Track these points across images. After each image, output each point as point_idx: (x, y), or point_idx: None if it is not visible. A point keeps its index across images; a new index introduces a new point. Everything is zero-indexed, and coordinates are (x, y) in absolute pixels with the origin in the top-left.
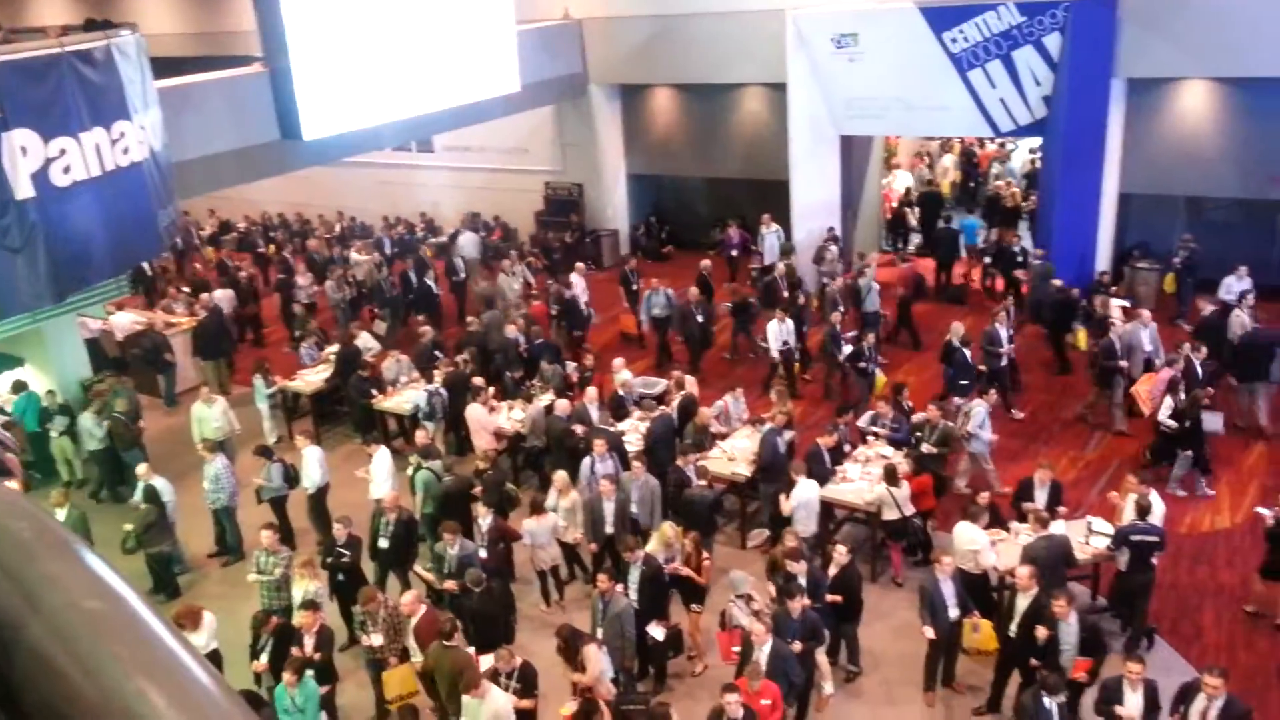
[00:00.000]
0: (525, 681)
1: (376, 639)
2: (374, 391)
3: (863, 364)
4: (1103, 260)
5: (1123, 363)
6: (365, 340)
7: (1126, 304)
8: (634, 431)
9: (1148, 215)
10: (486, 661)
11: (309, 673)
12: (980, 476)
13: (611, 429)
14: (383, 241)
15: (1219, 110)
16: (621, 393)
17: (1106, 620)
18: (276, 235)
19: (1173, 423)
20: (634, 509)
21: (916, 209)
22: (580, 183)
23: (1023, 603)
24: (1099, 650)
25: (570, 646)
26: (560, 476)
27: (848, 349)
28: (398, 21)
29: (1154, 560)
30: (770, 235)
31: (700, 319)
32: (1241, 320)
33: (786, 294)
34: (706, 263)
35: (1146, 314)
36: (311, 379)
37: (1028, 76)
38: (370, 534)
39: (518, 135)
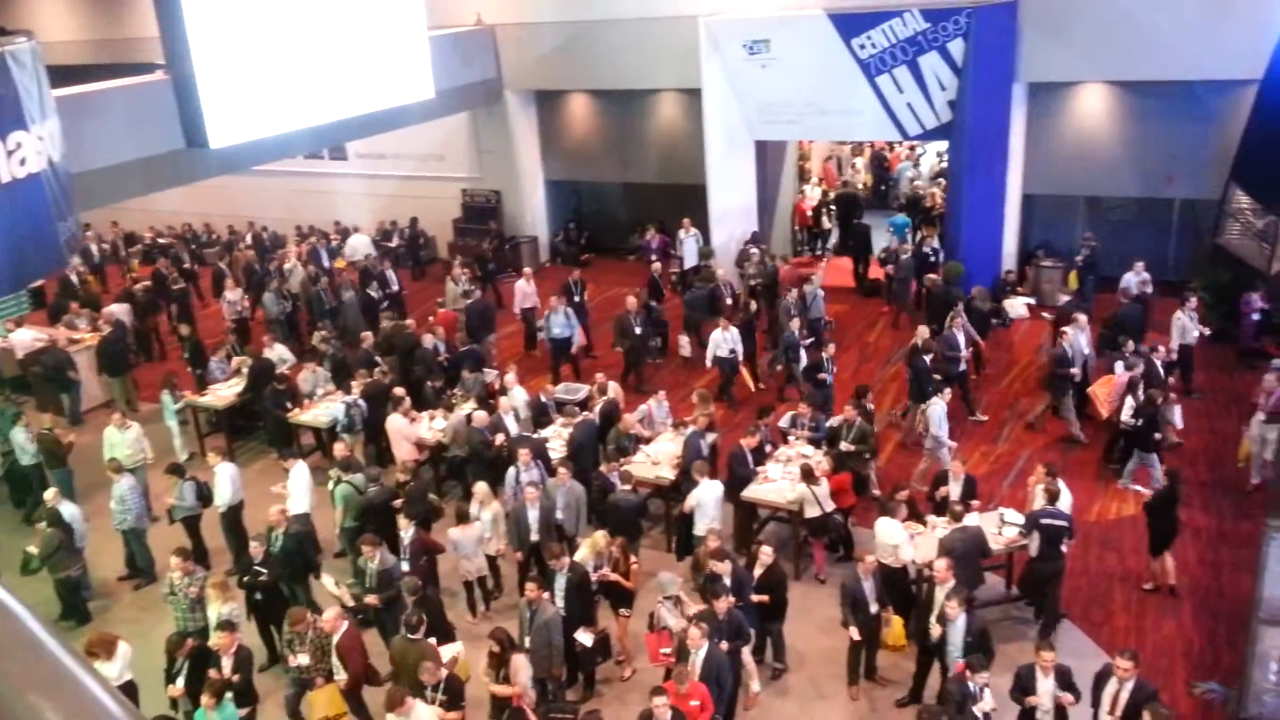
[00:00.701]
0: (451, 694)
1: (303, 658)
2: (289, 405)
3: (821, 375)
4: (1009, 259)
5: (1074, 370)
6: (279, 352)
7: (1031, 301)
8: (557, 438)
9: (1050, 215)
10: (448, 652)
11: (228, 695)
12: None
13: (533, 436)
14: (319, 253)
15: (1116, 112)
16: (543, 399)
17: (1019, 609)
18: (173, 250)
19: (1135, 421)
20: (559, 515)
21: (833, 208)
22: (498, 189)
23: (940, 595)
24: (984, 653)
25: (504, 653)
26: (480, 488)
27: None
28: (306, 27)
29: (1064, 547)
30: (689, 239)
31: (639, 330)
32: (1183, 323)
33: (731, 300)
34: (657, 265)
35: (1083, 319)
36: (223, 393)
37: (933, 81)
38: (235, 551)
39: (433, 142)
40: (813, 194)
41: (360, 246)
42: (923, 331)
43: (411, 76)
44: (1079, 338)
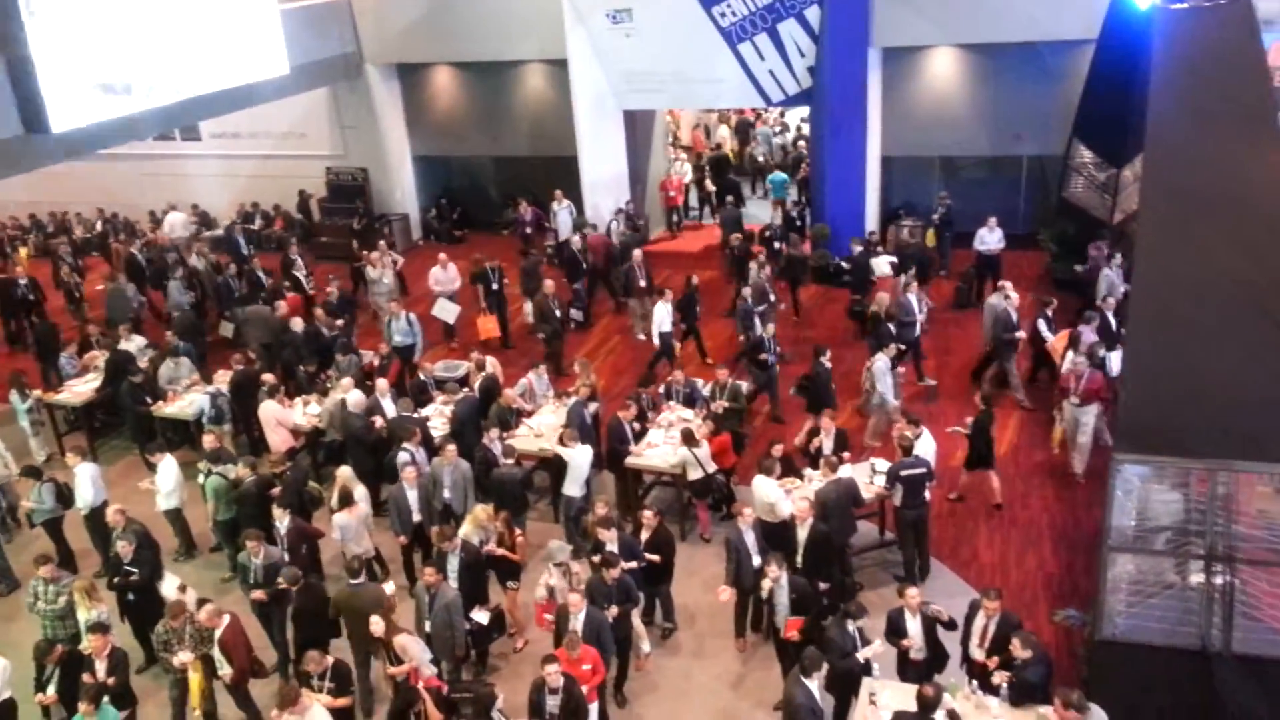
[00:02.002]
0: (339, 680)
1: (184, 655)
2: (149, 398)
3: (763, 356)
4: (871, 220)
5: (1019, 334)
6: (137, 343)
7: (894, 260)
8: (439, 417)
9: (909, 176)
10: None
11: (106, 699)
12: (888, 435)
13: (414, 416)
14: (236, 240)
15: (966, 75)
16: (423, 378)
17: (892, 553)
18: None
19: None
20: (446, 494)
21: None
22: (364, 167)
23: (802, 533)
24: (808, 609)
25: (388, 633)
26: (343, 472)
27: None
28: (149, 2)
29: (926, 493)
30: (563, 211)
31: (559, 313)
32: (1111, 279)
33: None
34: (576, 239)
35: (1009, 284)
36: (79, 390)
37: (792, 48)
38: (102, 553)
39: (293, 119)
40: (682, 170)
41: (177, 224)
42: (883, 299)
43: (264, 51)
44: (1003, 302)
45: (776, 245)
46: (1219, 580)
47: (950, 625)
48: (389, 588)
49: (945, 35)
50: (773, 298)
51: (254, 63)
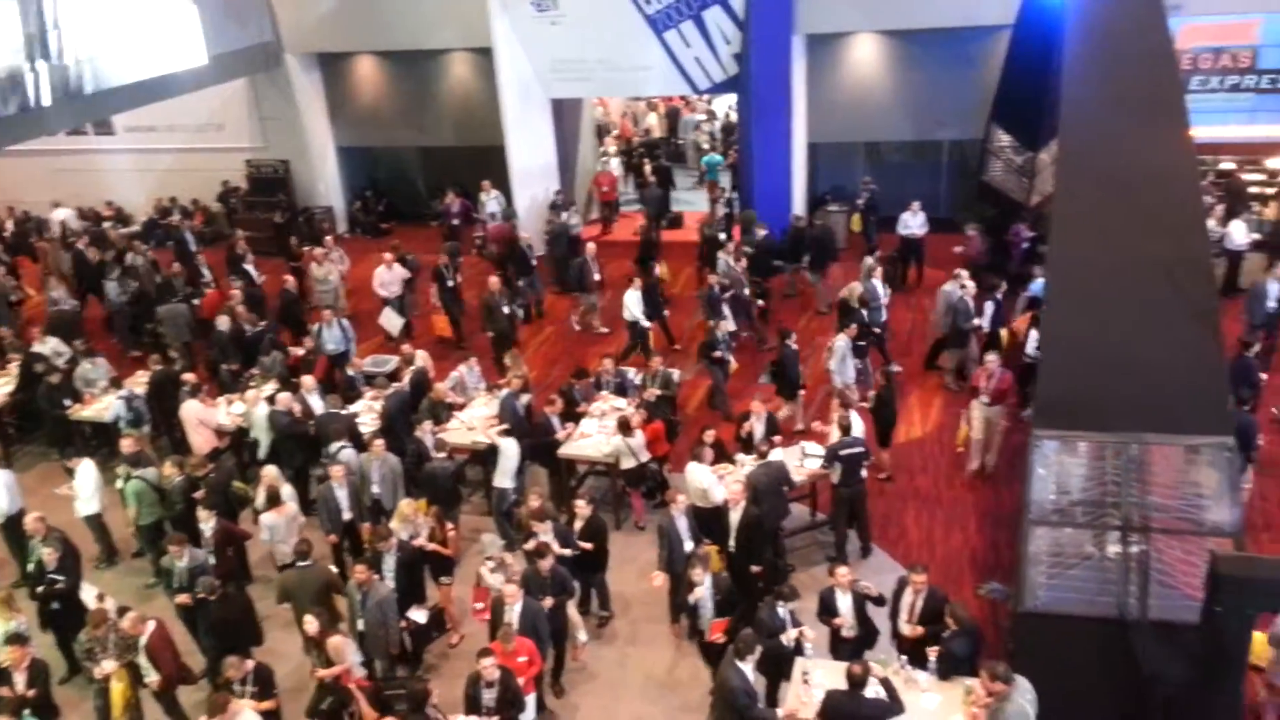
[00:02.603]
0: (262, 684)
1: (108, 664)
2: (67, 401)
3: (717, 353)
4: (799, 206)
5: (977, 321)
6: (50, 345)
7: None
8: (368, 412)
9: (834, 161)
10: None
11: (26, 712)
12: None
13: (343, 413)
14: (185, 238)
15: (888, 61)
16: (351, 374)
17: (823, 533)
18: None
19: (1039, 353)
20: (376, 490)
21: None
22: (286, 159)
23: (735, 516)
24: (733, 609)
25: (322, 635)
26: (268, 471)
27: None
28: None
29: (863, 472)
30: (492, 201)
31: (506, 309)
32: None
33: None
34: (526, 236)
35: (964, 273)
36: None
37: (718, 35)
38: (20, 562)
39: (210, 111)
40: (612, 165)
41: (69, 220)
42: (855, 288)
43: (179, 42)
44: (956, 291)
45: (723, 238)
46: (1135, 550)
47: (879, 601)
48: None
49: (867, 21)
50: (746, 291)
51: (169, 53)
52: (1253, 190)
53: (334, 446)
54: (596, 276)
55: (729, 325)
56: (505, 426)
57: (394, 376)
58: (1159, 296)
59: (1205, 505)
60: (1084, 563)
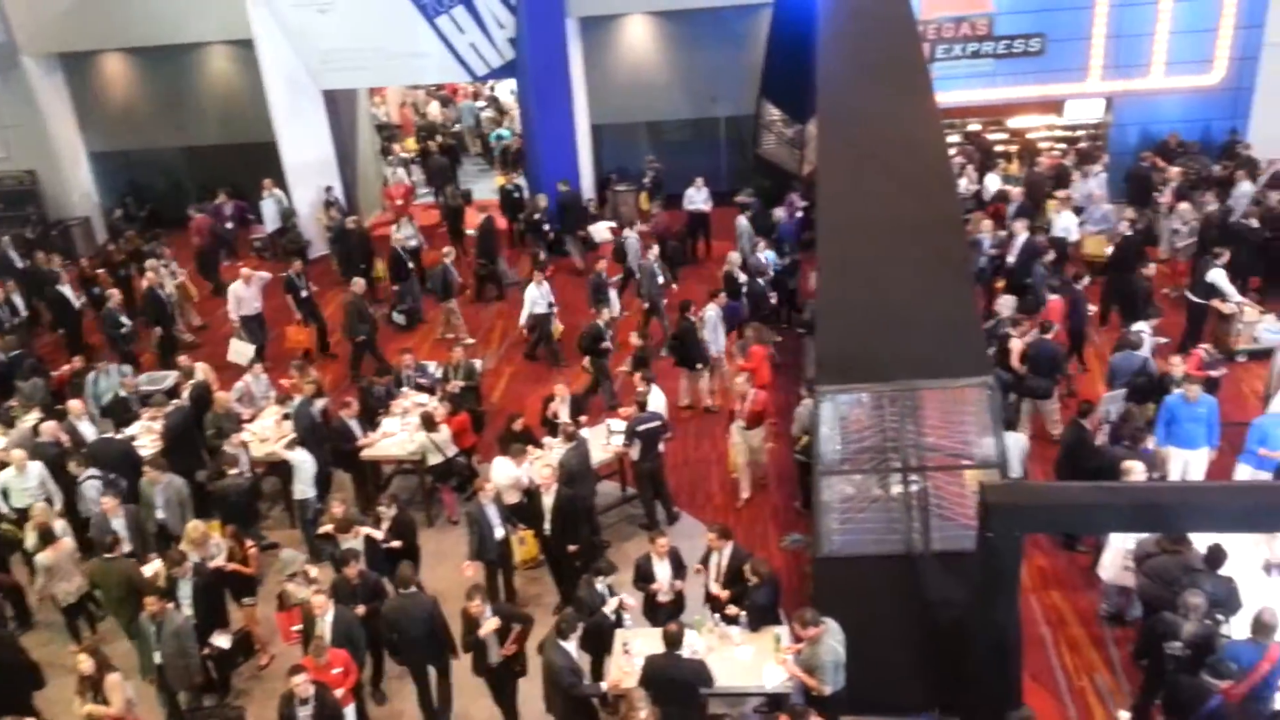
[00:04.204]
0: None
1: None
2: None
3: (604, 344)
4: (588, 188)
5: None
6: None
7: (613, 224)
8: (147, 434)
9: (618, 142)
10: None
11: None
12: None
13: (117, 438)
14: (8, 257)
15: (662, 41)
16: (124, 394)
17: (634, 506)
18: None
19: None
20: (160, 515)
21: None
22: (31, 169)
23: (548, 500)
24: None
25: (99, 672)
26: (39, 509)
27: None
28: None
29: (662, 445)
30: (269, 201)
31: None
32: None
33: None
34: (400, 235)
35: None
36: None
37: (491, 20)
38: None
39: None
40: (399, 174)
41: None
42: (734, 258)
43: None
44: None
45: (546, 228)
46: (915, 489)
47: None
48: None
49: (637, 3)
50: (661, 280)
51: None
52: (998, 149)
53: (82, 476)
54: (458, 280)
55: (613, 312)
56: (292, 437)
57: (173, 393)
58: (918, 253)
59: (972, 441)
60: (872, 506)
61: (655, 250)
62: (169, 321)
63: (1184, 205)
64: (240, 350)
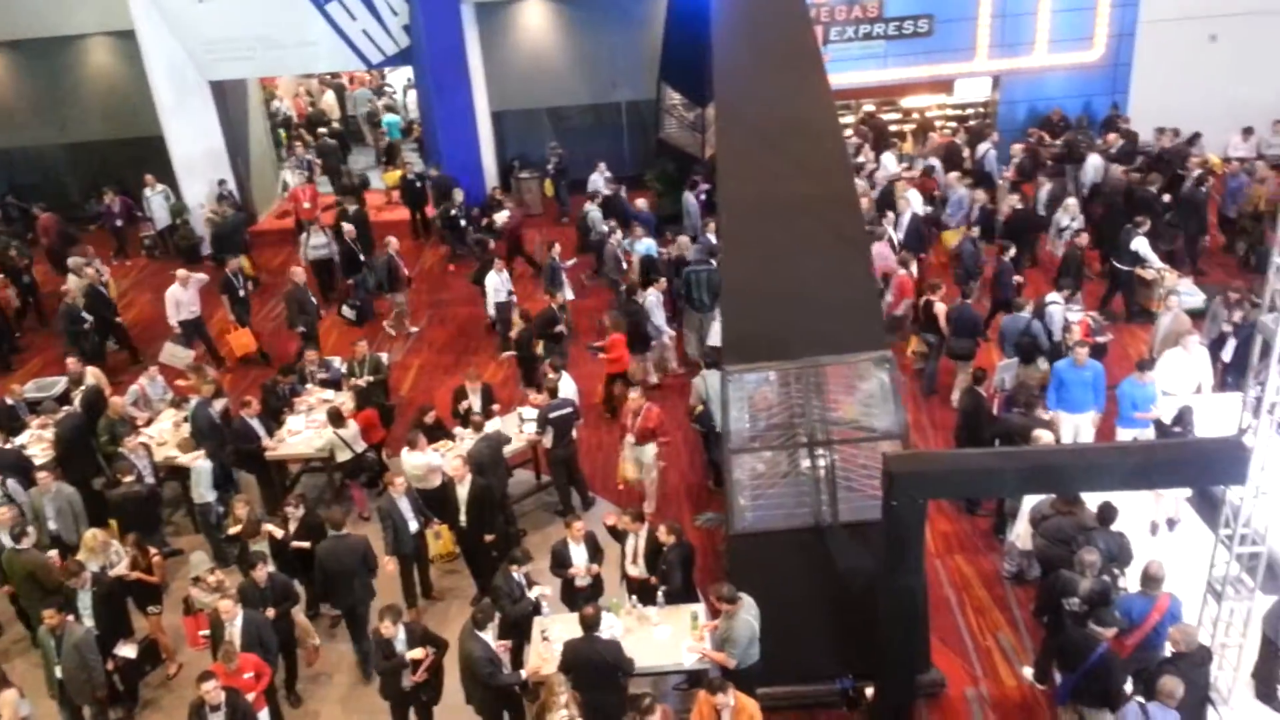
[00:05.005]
0: None
1: None
2: None
3: (558, 329)
4: (492, 176)
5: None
6: None
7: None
8: (37, 443)
9: (521, 129)
10: None
11: None
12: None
13: (5, 448)
14: None
15: (560, 26)
16: (10, 401)
17: (549, 494)
18: None
19: None
20: (53, 525)
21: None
22: None
23: (462, 491)
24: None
25: None
26: None
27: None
28: None
29: (575, 431)
30: (156, 197)
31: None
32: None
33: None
34: (349, 227)
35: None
36: None
37: (384, 7)
38: None
39: None
40: (290, 179)
41: None
42: (684, 242)
43: None
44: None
45: (464, 223)
46: (822, 463)
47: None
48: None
49: None
50: (625, 266)
51: None
52: (893, 128)
53: None
54: (405, 272)
55: (568, 295)
56: (190, 451)
57: (64, 399)
58: (816, 232)
59: (875, 414)
60: (782, 481)
61: (558, 247)
62: (114, 316)
63: (1046, 181)
64: (174, 353)
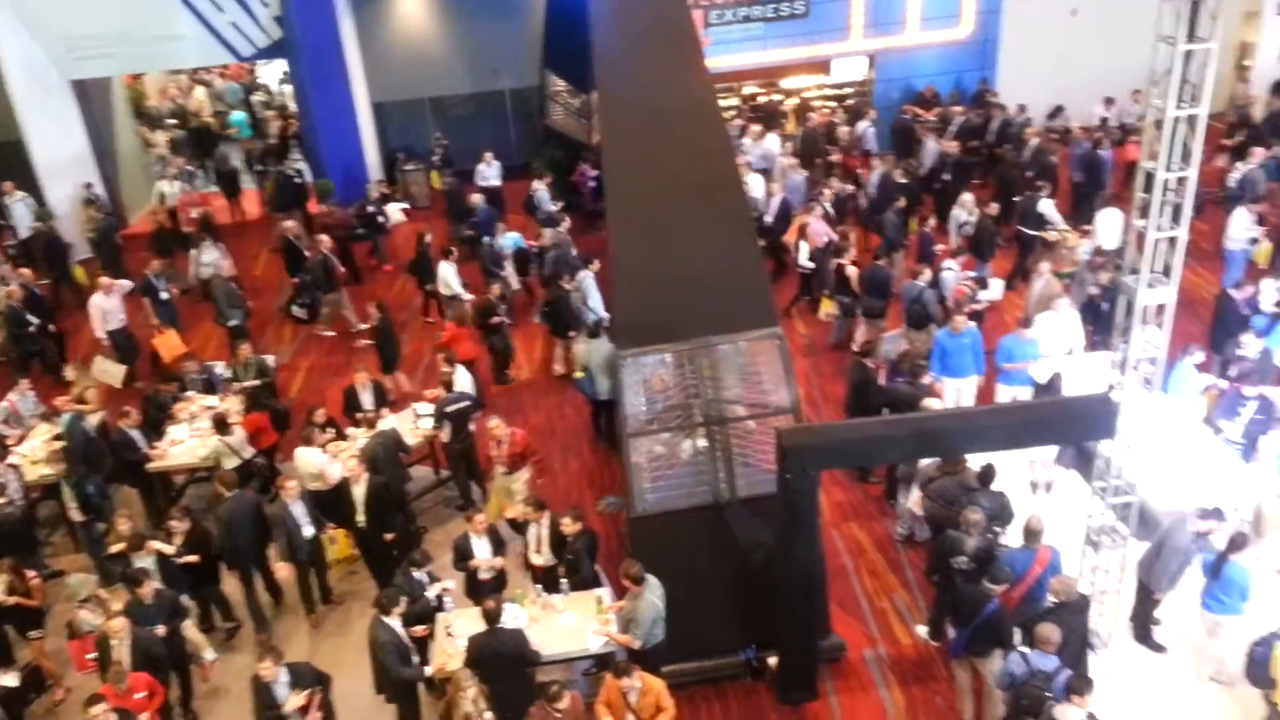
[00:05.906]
0: None
1: None
2: None
3: (495, 319)
4: (375, 169)
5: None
6: None
7: (406, 205)
8: None
9: (403, 120)
10: None
11: None
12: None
13: None
14: None
15: (437, 15)
16: None
17: (449, 489)
18: None
19: (810, 264)
20: None
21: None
22: None
23: (359, 490)
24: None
25: None
26: None
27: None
28: None
29: (472, 425)
30: (18, 204)
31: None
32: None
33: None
34: (291, 224)
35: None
36: None
37: None
38: None
39: None
40: (174, 190)
41: None
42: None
43: None
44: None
45: (380, 220)
46: (718, 440)
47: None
48: None
49: None
50: (574, 252)
51: None
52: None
53: None
54: (341, 270)
55: (513, 283)
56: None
57: None
58: (702, 214)
59: (767, 390)
60: (681, 462)
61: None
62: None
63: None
64: (107, 369)
